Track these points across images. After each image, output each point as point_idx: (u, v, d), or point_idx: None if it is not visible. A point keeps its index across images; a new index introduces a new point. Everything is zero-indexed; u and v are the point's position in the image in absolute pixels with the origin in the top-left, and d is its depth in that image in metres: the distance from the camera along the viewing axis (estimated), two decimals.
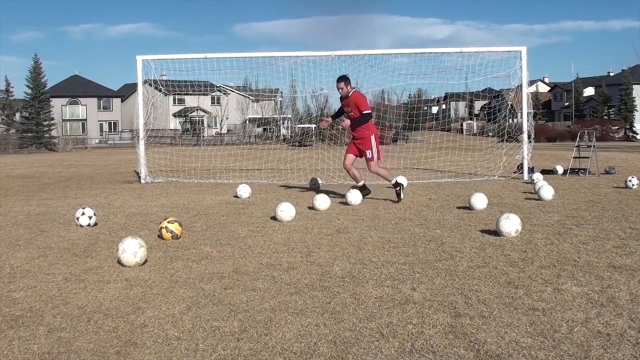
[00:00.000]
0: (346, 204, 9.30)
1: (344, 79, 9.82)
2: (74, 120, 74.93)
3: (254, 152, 26.53)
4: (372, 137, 9.66)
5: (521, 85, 14.40)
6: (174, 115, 75.03)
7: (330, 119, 10.60)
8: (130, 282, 4.80)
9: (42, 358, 3.25)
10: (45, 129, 56.19)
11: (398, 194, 9.60)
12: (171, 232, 6.57)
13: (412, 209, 8.84)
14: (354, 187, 9.77)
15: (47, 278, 4.96)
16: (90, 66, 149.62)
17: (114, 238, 6.71)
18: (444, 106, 79.62)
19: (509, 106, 15.90)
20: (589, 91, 78.43)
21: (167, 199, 10.86)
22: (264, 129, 66.82)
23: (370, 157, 9.64)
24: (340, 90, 9.82)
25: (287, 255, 5.68)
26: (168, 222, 6.66)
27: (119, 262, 5.34)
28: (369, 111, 9.72)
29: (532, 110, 14.86)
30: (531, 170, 13.97)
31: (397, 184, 9.64)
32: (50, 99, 59.61)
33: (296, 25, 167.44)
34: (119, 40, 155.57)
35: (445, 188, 12.14)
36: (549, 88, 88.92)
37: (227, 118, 72.64)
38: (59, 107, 68.66)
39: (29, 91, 56.63)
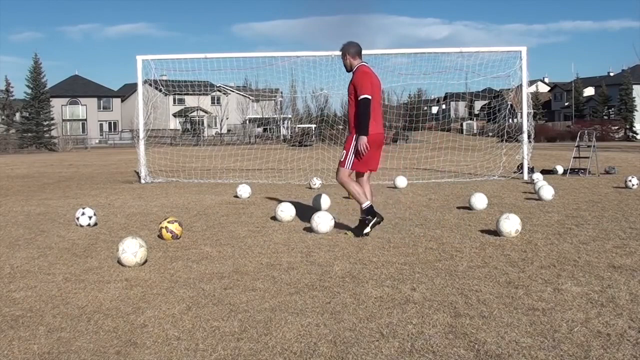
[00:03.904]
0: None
1: (344, 47, 6.75)
2: (74, 120, 74.88)
3: (254, 152, 26.53)
4: (354, 138, 6.55)
5: (521, 85, 14.40)
6: (174, 115, 74.99)
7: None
8: (130, 282, 4.80)
9: (42, 358, 3.25)
10: (45, 129, 56.16)
11: (361, 225, 6.58)
12: (171, 232, 6.57)
13: (412, 209, 8.84)
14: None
15: (47, 278, 4.95)
16: (90, 66, 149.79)
17: (114, 238, 6.71)
18: (444, 106, 79.56)
19: (509, 106, 15.91)
20: (589, 91, 78.37)
21: (167, 199, 10.86)
22: (264, 129, 66.81)
23: (341, 159, 6.70)
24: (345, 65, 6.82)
25: (287, 255, 5.68)
26: (168, 222, 6.66)
27: (119, 262, 5.33)
28: (366, 96, 6.36)
29: (532, 110, 14.86)
30: (531, 170, 13.98)
31: (369, 213, 6.54)
32: (50, 99, 59.56)
33: (295, 25, 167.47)
34: (118, 40, 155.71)
35: (445, 188, 12.14)
36: (549, 88, 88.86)
37: (227, 118, 72.60)
38: (59, 107, 68.59)
39: (29, 91, 56.61)
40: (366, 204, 6.58)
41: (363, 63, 6.72)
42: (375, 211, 6.59)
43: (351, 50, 6.68)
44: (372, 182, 13.42)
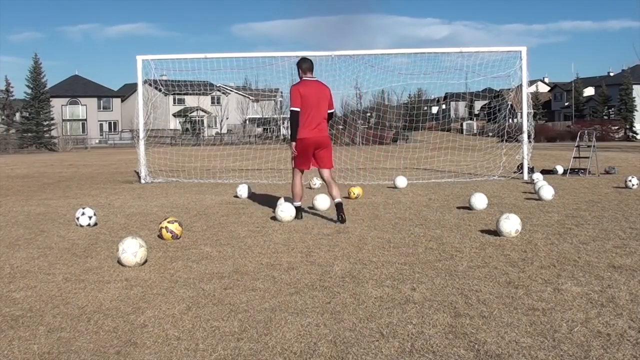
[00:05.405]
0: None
1: (297, 62, 7.91)
2: (74, 120, 74.87)
3: (254, 152, 26.53)
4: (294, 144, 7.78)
5: (521, 85, 14.40)
6: (174, 115, 74.97)
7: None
8: (130, 282, 4.80)
9: (42, 358, 3.25)
10: (45, 129, 56.18)
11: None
12: (171, 232, 6.57)
13: (412, 209, 8.84)
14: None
15: (47, 278, 4.95)
16: (90, 66, 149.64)
17: (114, 238, 6.71)
18: (444, 106, 79.53)
19: (509, 106, 15.91)
20: (589, 91, 78.34)
21: (167, 199, 10.86)
22: (264, 129, 66.80)
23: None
24: None
25: (287, 255, 5.68)
26: (168, 222, 6.66)
27: (119, 262, 5.34)
28: (293, 108, 7.60)
29: (532, 110, 14.86)
30: (531, 170, 13.98)
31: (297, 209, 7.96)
32: (50, 99, 59.58)
33: (294, 25, 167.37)
34: (118, 40, 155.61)
35: (445, 188, 12.14)
36: (549, 88, 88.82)
37: (227, 118, 72.60)
38: (59, 107, 68.58)
39: (29, 91, 56.62)
40: (296, 203, 7.95)
41: (306, 78, 7.69)
42: (300, 211, 7.97)
43: (302, 65, 7.75)
44: (372, 182, 13.47)
